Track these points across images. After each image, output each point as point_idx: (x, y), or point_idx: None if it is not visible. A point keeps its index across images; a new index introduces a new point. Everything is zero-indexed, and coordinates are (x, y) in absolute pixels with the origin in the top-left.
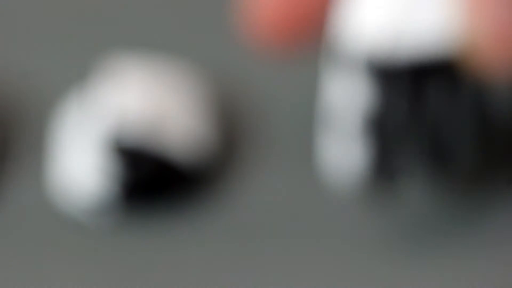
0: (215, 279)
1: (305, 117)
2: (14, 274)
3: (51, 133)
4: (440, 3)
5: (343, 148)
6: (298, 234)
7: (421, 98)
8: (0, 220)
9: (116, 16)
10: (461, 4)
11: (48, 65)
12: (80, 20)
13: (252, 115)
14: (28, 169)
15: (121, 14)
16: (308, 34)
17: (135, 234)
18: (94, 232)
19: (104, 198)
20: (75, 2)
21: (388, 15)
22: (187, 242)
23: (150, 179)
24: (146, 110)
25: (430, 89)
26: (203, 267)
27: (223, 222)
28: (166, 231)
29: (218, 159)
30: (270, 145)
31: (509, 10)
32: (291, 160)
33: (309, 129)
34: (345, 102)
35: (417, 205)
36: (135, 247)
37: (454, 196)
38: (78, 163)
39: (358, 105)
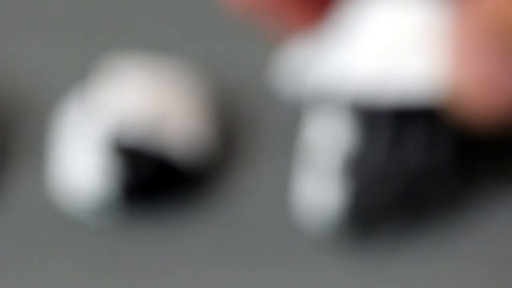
0: (216, 278)
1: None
2: (14, 273)
3: (52, 133)
4: (426, 51)
5: (320, 188)
6: (298, 234)
7: (402, 143)
8: (1, 219)
9: (116, 17)
10: (446, 53)
11: (49, 65)
12: (81, 20)
13: (252, 115)
14: (29, 169)
15: (121, 15)
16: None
17: (135, 233)
18: (95, 231)
19: (104, 198)
20: (76, 2)
21: (375, 60)
22: (187, 241)
23: (150, 179)
24: (146, 110)
25: (411, 135)
26: (203, 266)
27: (223, 221)
28: (166, 230)
29: (218, 159)
30: (270, 145)
31: (492, 60)
32: (291, 160)
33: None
34: (326, 142)
35: (390, 246)
36: (135, 246)
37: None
38: (78, 163)
39: (338, 145)
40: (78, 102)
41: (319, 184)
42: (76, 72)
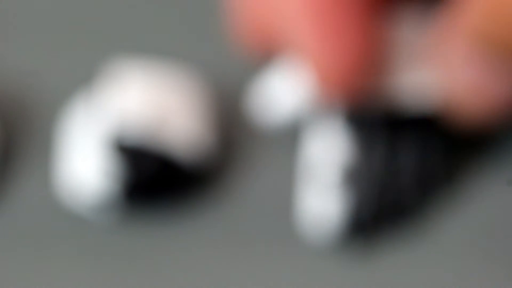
0: (216, 278)
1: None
2: (19, 269)
3: (57, 134)
4: (418, 64)
5: (321, 201)
6: (298, 233)
7: (396, 153)
8: (7, 217)
9: (120, 23)
10: (438, 64)
11: (55, 67)
12: (88, 26)
13: (251, 115)
14: (34, 168)
15: (126, 21)
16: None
17: (137, 231)
18: (98, 229)
19: (107, 196)
20: (80, 6)
21: None
22: (188, 240)
23: (152, 178)
24: (148, 111)
25: (405, 145)
26: (204, 265)
27: (224, 220)
28: (167, 229)
29: (219, 159)
30: (270, 145)
31: (480, 70)
32: (291, 160)
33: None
34: (324, 155)
35: (389, 254)
36: (136, 243)
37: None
38: (82, 162)
39: (335, 158)
40: (82, 104)
41: (318, 195)
42: (81, 75)
